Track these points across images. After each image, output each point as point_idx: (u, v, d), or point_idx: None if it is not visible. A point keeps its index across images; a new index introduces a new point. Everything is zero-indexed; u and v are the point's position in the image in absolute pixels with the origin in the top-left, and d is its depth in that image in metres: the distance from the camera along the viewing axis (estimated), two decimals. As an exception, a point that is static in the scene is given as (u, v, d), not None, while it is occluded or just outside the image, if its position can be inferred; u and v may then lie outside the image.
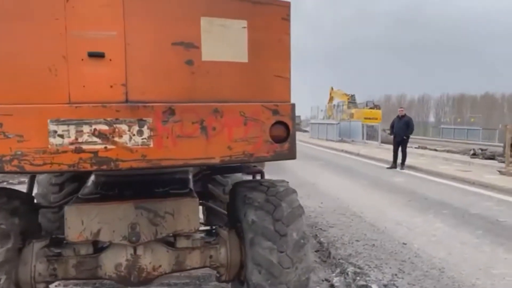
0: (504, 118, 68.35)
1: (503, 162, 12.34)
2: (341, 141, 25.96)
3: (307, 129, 39.43)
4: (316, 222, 6.54)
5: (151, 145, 2.56)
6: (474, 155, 16.68)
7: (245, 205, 3.15)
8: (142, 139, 2.54)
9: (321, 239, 5.65)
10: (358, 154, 18.22)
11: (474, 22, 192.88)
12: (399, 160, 13.41)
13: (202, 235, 3.33)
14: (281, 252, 2.93)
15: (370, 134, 26.18)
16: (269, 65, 2.87)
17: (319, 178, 11.37)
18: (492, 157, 15.65)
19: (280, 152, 2.90)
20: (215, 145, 2.70)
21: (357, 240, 5.59)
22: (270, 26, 2.86)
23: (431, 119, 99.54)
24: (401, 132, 13.25)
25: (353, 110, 35.20)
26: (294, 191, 3.36)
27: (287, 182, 3.62)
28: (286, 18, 2.91)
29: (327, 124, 29.66)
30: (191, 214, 3.01)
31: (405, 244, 5.44)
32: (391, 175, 12.02)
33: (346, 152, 19.62)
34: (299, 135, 35.85)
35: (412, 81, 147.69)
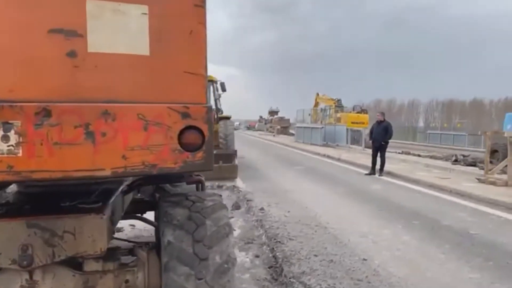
0: (492, 123, 68.81)
1: (484, 169, 12.03)
2: (326, 145, 25.55)
3: (293, 132, 39.06)
4: (277, 234, 6.09)
5: (20, 154, 2.11)
6: (456, 161, 16.39)
7: (163, 223, 2.77)
8: (8, 146, 2.10)
9: (277, 254, 5.21)
10: (339, 159, 17.84)
11: (463, 28, 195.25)
12: (378, 166, 13.03)
13: (121, 255, 2.92)
14: (200, 279, 2.57)
15: (356, 139, 25.86)
16: (178, 59, 2.44)
17: (294, 185, 10.91)
18: (473, 164, 15.36)
19: (191, 163, 2.48)
20: (105, 154, 2.26)
21: (316, 255, 5.15)
22: (179, 13, 2.43)
23: (421, 124, 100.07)
24: (379, 137, 12.84)
25: (339, 114, 34.85)
26: (224, 207, 2.98)
27: (220, 195, 3.21)
28: (200, 5, 2.48)
29: (312, 128, 29.21)
30: (96, 234, 2.58)
31: (365, 260, 5.01)
32: (368, 182, 11.64)
33: (328, 157, 19.21)
34: (284, 139, 35.49)
35: (402, 85, 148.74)
